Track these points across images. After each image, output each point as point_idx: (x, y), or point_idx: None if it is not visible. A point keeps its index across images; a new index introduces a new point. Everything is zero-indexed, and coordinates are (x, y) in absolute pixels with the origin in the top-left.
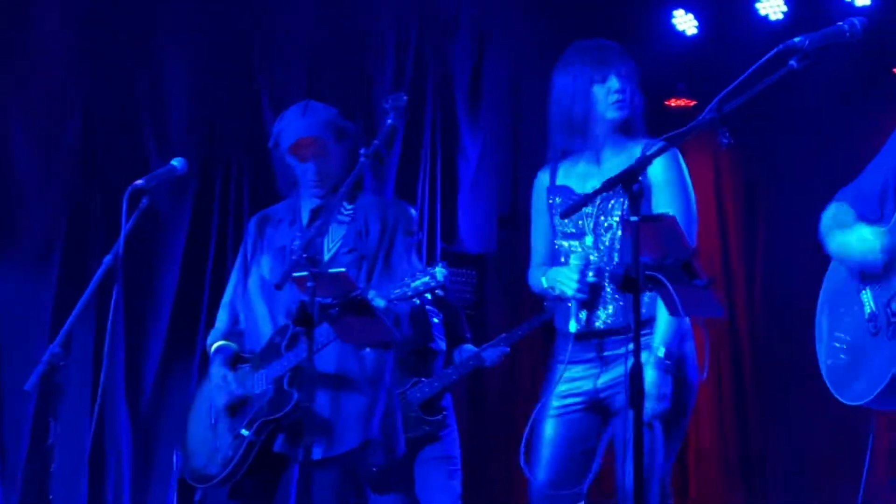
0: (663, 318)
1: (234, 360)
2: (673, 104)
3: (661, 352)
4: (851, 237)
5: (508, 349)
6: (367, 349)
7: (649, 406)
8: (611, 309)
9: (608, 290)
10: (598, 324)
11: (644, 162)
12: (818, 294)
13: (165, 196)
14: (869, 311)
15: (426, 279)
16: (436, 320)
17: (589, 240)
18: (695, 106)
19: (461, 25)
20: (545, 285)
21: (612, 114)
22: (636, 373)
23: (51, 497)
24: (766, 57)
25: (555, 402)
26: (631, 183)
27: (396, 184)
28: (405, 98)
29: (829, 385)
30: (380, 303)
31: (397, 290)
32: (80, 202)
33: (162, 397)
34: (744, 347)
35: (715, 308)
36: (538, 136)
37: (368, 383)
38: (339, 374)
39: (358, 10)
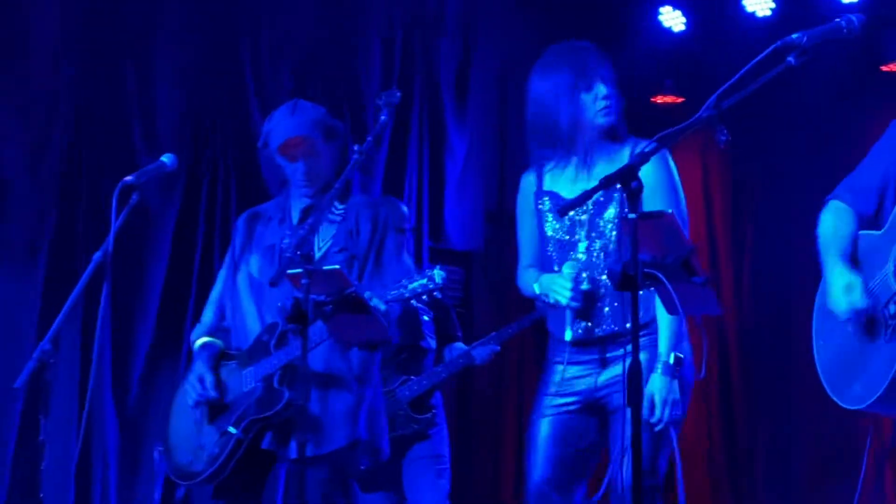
0: (667, 323)
1: (219, 358)
2: (660, 101)
3: (672, 358)
4: (837, 282)
5: (499, 347)
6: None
7: (666, 413)
8: (608, 312)
9: (604, 293)
10: (598, 331)
11: (642, 159)
12: (806, 293)
13: (153, 193)
14: (867, 313)
15: (424, 281)
16: (426, 318)
17: (582, 246)
18: (682, 103)
19: (448, 23)
20: (538, 292)
21: (601, 120)
22: (634, 372)
23: (41, 495)
24: (764, 53)
25: (550, 402)
26: (629, 180)
27: (383, 181)
28: (399, 94)
29: (826, 387)
30: (379, 304)
31: (394, 292)
32: (67, 200)
33: (149, 394)
34: (731, 347)
35: (713, 305)
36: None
37: (356, 381)
38: (326, 373)
39: (345, 9)
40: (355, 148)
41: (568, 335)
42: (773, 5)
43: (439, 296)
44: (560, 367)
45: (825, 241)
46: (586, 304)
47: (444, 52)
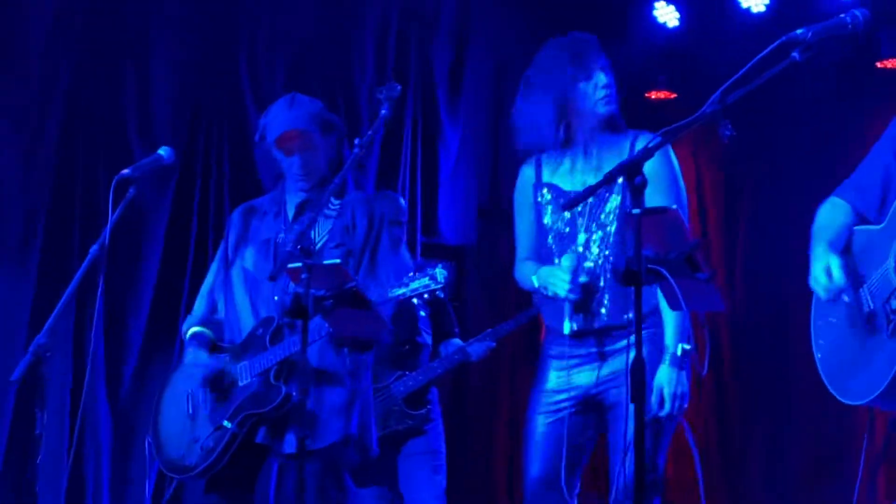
0: (672, 315)
1: (210, 348)
2: (653, 96)
3: (679, 350)
4: (818, 264)
5: (494, 344)
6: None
7: (676, 406)
8: (607, 304)
9: (603, 286)
10: (596, 323)
11: (646, 154)
12: (800, 291)
13: (148, 186)
14: (867, 309)
15: (426, 280)
16: (422, 314)
17: (581, 238)
18: (675, 98)
19: (442, 18)
20: (536, 285)
21: (601, 109)
22: (637, 367)
23: (37, 489)
24: (769, 49)
25: (548, 399)
26: (633, 175)
27: (376, 176)
28: (399, 88)
29: (826, 383)
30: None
31: (396, 290)
32: (61, 193)
33: (142, 388)
34: (724, 346)
35: (717, 302)
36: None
37: (349, 376)
38: (320, 368)
39: (340, 5)
40: (356, 142)
41: (566, 328)
42: (767, 1)
43: (441, 295)
44: (557, 363)
45: (816, 232)
46: (585, 296)
47: (438, 46)
